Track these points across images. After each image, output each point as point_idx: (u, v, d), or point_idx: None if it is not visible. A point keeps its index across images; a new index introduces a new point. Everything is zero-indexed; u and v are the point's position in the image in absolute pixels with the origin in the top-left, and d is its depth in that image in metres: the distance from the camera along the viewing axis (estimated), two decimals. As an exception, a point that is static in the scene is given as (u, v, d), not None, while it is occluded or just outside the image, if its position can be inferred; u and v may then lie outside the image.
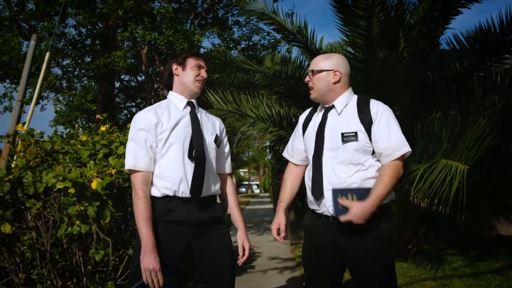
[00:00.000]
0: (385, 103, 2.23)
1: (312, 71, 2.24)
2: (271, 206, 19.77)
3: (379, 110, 2.15)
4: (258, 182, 61.38)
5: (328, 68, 2.21)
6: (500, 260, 5.12)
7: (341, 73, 2.21)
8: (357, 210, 1.98)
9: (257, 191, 59.02)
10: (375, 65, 4.98)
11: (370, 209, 2.00)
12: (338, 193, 2.07)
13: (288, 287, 4.56)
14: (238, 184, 51.41)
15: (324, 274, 2.26)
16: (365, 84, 5.23)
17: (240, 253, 2.24)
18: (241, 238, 2.28)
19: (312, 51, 6.23)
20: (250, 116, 6.28)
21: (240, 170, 57.10)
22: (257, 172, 61.55)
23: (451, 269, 4.84)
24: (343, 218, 2.00)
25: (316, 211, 2.23)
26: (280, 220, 2.37)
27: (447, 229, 6.43)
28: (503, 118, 4.55)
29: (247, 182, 61.59)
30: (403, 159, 2.13)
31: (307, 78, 2.29)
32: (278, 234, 2.36)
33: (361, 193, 2.05)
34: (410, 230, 5.70)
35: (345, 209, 2.02)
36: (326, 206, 2.14)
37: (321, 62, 2.24)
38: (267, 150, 11.15)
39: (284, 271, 5.31)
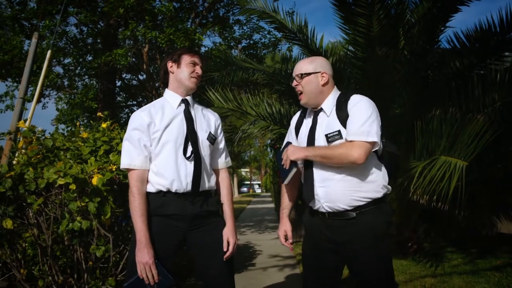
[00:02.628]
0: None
1: (300, 75, 2.22)
2: (272, 205, 19.80)
3: (357, 102, 2.12)
4: (259, 182, 61.32)
5: (315, 70, 2.21)
6: (500, 258, 5.13)
7: (328, 74, 2.22)
8: (291, 148, 2.16)
9: (258, 190, 59.00)
10: (375, 63, 4.99)
11: (302, 153, 2.13)
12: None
13: (288, 284, 4.58)
14: (240, 184, 51.41)
15: (321, 270, 2.27)
16: (365, 82, 5.25)
17: (225, 248, 2.23)
18: (225, 234, 2.27)
19: (313, 50, 6.25)
20: (250, 114, 6.31)
21: (242, 170, 57.07)
22: (258, 172, 61.51)
23: (451, 266, 4.86)
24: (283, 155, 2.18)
25: (313, 208, 2.25)
26: (286, 226, 2.39)
27: (447, 227, 6.44)
28: (503, 116, 4.56)
29: (248, 182, 61.60)
30: (371, 148, 2.05)
31: (294, 83, 2.26)
32: (286, 240, 2.38)
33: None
34: (410, 228, 5.71)
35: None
36: (321, 203, 2.16)
37: (306, 66, 2.23)
38: (268, 149, 11.16)
39: (284, 269, 5.32)
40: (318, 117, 2.23)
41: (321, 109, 2.23)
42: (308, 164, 2.19)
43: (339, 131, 2.11)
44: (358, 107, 2.10)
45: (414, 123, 4.63)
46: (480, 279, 4.22)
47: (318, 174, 2.16)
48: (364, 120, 2.05)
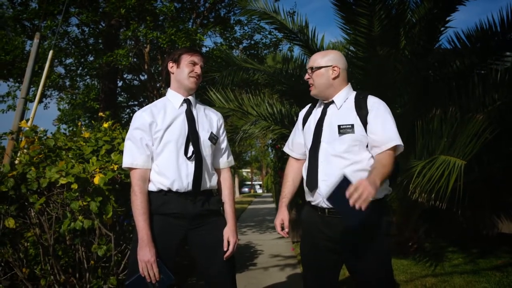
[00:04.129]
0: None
1: (312, 68, 2.27)
2: (273, 205, 19.80)
3: (375, 104, 2.20)
4: (261, 182, 61.30)
5: (326, 64, 2.25)
6: (501, 258, 5.13)
7: (339, 68, 2.26)
8: (365, 183, 1.80)
9: (259, 191, 58.99)
10: (376, 63, 5.00)
11: (377, 182, 1.87)
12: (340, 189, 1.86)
13: (288, 284, 4.59)
14: (241, 184, 51.43)
15: (320, 269, 2.28)
16: (366, 82, 5.26)
17: (225, 248, 2.24)
18: (226, 233, 2.28)
19: (313, 50, 6.25)
20: (251, 115, 6.32)
21: (243, 170, 57.08)
22: (259, 172, 61.51)
23: (452, 266, 4.86)
24: (350, 189, 1.80)
25: (312, 203, 2.26)
26: (284, 215, 2.39)
27: (448, 227, 6.44)
28: (503, 116, 4.57)
29: (250, 182, 61.62)
30: (395, 153, 2.13)
31: (306, 76, 2.32)
32: (282, 229, 2.38)
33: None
34: (410, 228, 5.72)
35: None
36: (322, 196, 2.17)
37: (319, 59, 2.27)
38: (269, 149, 11.17)
39: (285, 269, 5.34)
40: (328, 109, 2.28)
41: (332, 102, 2.28)
42: (314, 155, 2.22)
43: (352, 125, 2.16)
44: (384, 110, 2.18)
45: (414, 123, 4.65)
46: (480, 278, 4.23)
47: (323, 168, 2.18)
48: (388, 127, 2.13)
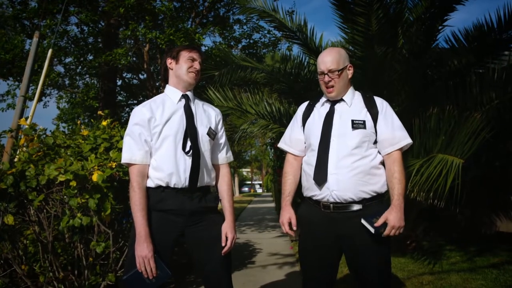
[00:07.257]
0: (383, 99, 2.31)
1: (335, 70, 2.24)
2: (272, 205, 19.81)
3: (384, 104, 2.28)
4: (261, 182, 61.29)
5: (344, 65, 2.28)
6: (499, 256, 5.14)
7: (352, 67, 2.31)
8: (393, 217, 2.08)
9: (259, 190, 58.98)
10: (373, 62, 5.02)
11: (401, 208, 2.10)
12: (367, 220, 2.13)
13: (286, 281, 4.60)
14: (241, 183, 51.44)
15: (321, 267, 2.29)
16: (364, 81, 5.27)
17: (223, 243, 2.26)
18: (224, 229, 2.29)
19: (312, 49, 6.27)
20: (250, 113, 6.32)
21: (243, 170, 57.07)
22: (259, 172, 61.50)
23: (449, 264, 4.88)
24: (386, 232, 2.08)
25: (314, 198, 2.26)
26: (291, 213, 2.37)
27: (447, 226, 6.46)
28: (500, 114, 4.59)
29: (249, 182, 61.64)
30: (402, 151, 2.22)
31: (327, 78, 2.26)
32: (290, 228, 2.36)
33: (380, 212, 2.14)
34: (409, 226, 5.73)
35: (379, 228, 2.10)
36: (329, 190, 2.18)
37: (339, 60, 2.26)
38: (268, 148, 11.19)
39: (283, 267, 5.35)
40: (336, 106, 2.31)
41: (341, 100, 2.31)
42: (324, 150, 2.23)
43: (364, 121, 2.21)
44: (390, 110, 2.28)
45: (412, 121, 4.67)
46: (477, 276, 4.24)
47: (333, 162, 2.20)
48: (397, 126, 2.24)
